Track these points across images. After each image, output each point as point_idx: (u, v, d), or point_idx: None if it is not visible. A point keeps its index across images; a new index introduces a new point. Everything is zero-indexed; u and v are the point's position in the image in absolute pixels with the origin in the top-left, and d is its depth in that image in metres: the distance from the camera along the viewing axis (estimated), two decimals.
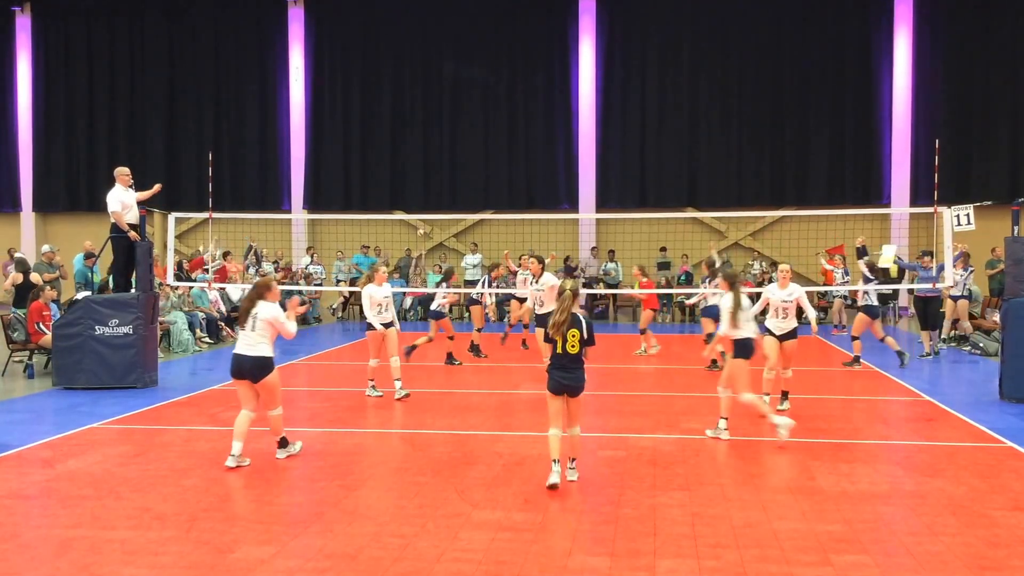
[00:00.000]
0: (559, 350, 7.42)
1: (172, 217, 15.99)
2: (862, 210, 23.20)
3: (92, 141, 28.20)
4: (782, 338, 10.99)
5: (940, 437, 9.55)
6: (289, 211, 26.86)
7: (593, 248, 25.17)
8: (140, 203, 13.20)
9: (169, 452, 8.75)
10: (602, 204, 25.86)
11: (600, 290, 23.22)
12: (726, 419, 9.32)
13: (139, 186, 13.52)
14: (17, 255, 20.46)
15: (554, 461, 7.40)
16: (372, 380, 11.83)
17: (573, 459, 7.68)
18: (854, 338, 14.94)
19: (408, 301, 23.99)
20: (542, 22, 26.38)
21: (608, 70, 26.04)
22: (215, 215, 16.97)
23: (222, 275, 19.94)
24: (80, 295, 13.97)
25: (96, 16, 28.01)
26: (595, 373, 14.14)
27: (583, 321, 7.43)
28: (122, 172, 13.13)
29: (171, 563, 5.75)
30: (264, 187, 27.39)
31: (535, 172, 26.34)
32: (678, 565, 5.70)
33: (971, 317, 17.89)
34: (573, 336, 7.37)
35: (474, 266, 24.08)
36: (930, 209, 15.23)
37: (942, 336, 17.44)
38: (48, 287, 15.36)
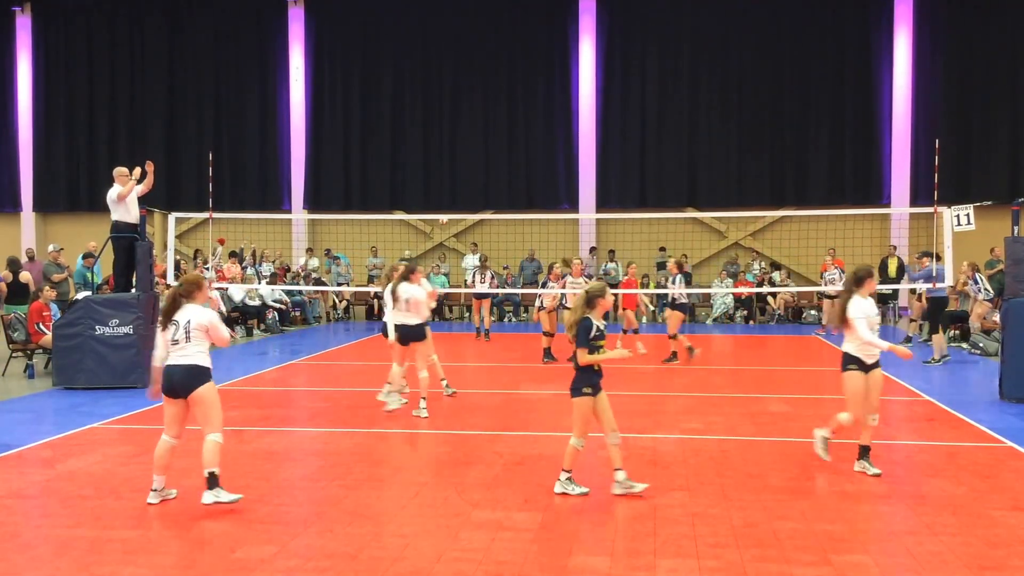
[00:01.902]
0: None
1: (172, 217, 16.00)
2: (862, 210, 23.20)
3: (92, 141, 28.19)
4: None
5: (940, 437, 9.55)
6: (289, 211, 26.86)
7: (592, 248, 25.16)
8: (141, 199, 13.20)
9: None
10: (602, 204, 25.86)
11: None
12: (869, 449, 7.91)
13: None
14: (11, 256, 20.44)
15: (615, 470, 7.18)
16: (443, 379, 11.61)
17: (564, 469, 7.30)
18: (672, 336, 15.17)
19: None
20: (542, 22, 26.38)
21: (608, 70, 26.04)
22: (215, 215, 16.98)
23: (222, 275, 19.95)
24: (80, 295, 13.98)
25: (96, 16, 28.00)
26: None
27: (578, 324, 7.08)
28: (121, 172, 13.12)
29: (171, 563, 5.75)
30: (264, 187, 27.39)
31: (535, 172, 26.34)
32: (678, 565, 5.70)
33: (965, 318, 17.92)
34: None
35: (473, 267, 24.03)
36: (930, 209, 15.24)
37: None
38: (48, 287, 15.36)
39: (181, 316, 6.95)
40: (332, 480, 7.74)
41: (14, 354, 14.54)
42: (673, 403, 11.54)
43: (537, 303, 16.17)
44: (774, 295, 23.03)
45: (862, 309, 7.86)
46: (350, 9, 26.96)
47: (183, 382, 6.86)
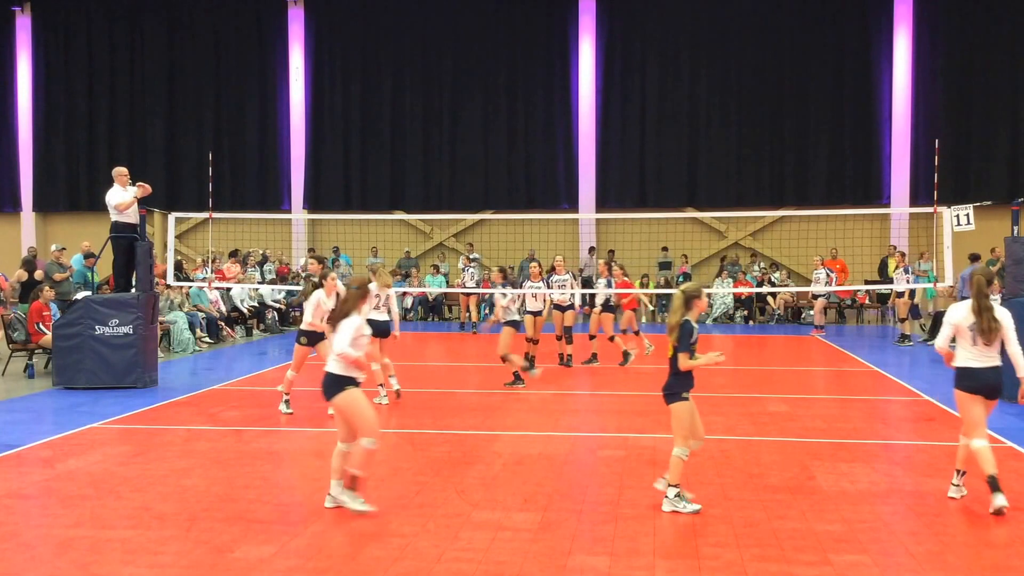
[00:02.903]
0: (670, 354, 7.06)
1: (172, 217, 15.99)
2: (862, 210, 23.24)
3: (92, 141, 28.20)
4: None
5: (940, 437, 9.55)
6: (289, 211, 26.86)
7: (591, 248, 25.16)
8: (139, 202, 13.20)
9: (169, 452, 8.75)
10: (602, 204, 25.87)
11: (599, 290, 23.19)
12: (995, 475, 6.86)
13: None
14: (26, 256, 20.55)
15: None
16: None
17: (670, 484, 6.90)
18: (592, 336, 14.99)
19: (409, 301, 23.99)
20: (542, 22, 26.38)
21: (608, 70, 26.05)
22: (215, 215, 16.97)
23: (222, 275, 19.94)
24: (80, 295, 13.97)
25: (96, 16, 28.01)
26: (595, 373, 14.18)
27: (680, 327, 6.87)
28: (120, 172, 13.13)
29: (171, 563, 5.75)
30: (264, 187, 27.39)
31: (535, 172, 26.35)
32: (678, 565, 5.70)
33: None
34: (671, 339, 6.96)
35: (471, 268, 24.03)
36: (930, 209, 15.23)
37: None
38: (48, 287, 15.36)
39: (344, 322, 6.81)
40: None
41: (14, 354, 14.54)
42: None
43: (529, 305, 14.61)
44: (774, 295, 23.02)
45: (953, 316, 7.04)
46: (350, 9, 26.96)
47: (324, 389, 6.85)
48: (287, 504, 7.11)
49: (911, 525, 6.52)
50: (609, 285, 14.80)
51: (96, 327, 12.58)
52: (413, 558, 5.83)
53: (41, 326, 14.16)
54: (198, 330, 17.71)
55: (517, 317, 12.86)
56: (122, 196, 12.85)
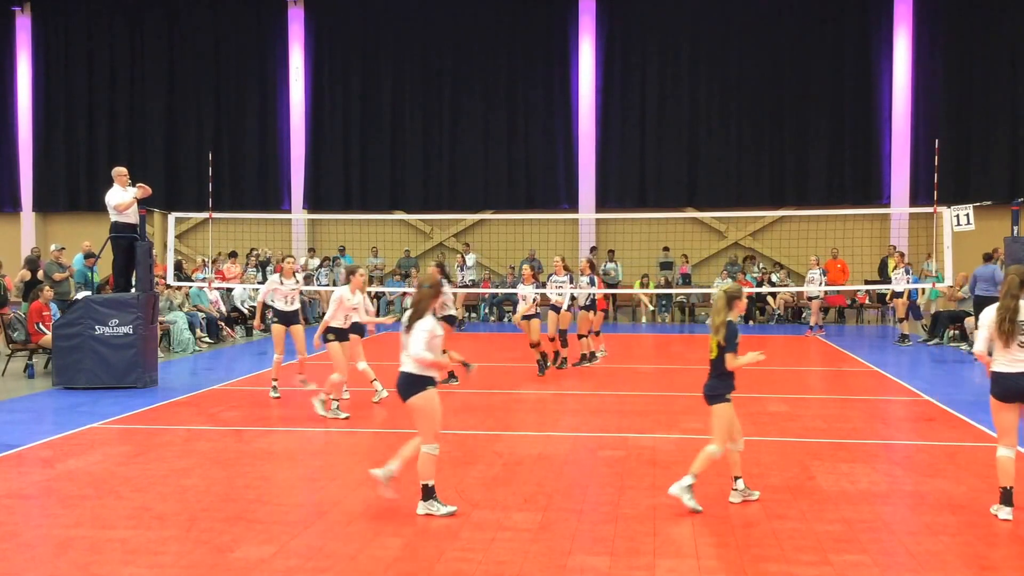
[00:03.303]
0: (710, 355, 7.10)
1: (172, 217, 16.00)
2: (862, 210, 23.25)
3: (92, 141, 28.20)
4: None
5: (940, 437, 9.55)
6: (289, 211, 26.87)
7: (592, 248, 25.16)
8: (139, 202, 13.20)
9: (169, 452, 8.75)
10: (602, 204, 25.87)
11: (600, 289, 23.20)
12: (1010, 489, 6.65)
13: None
14: (29, 256, 20.60)
15: (734, 478, 7.09)
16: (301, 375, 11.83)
17: (736, 477, 7.04)
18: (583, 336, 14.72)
19: (408, 301, 23.96)
20: (542, 22, 26.39)
21: (608, 70, 26.05)
22: (215, 215, 16.98)
23: (222, 275, 19.95)
24: (80, 295, 13.97)
25: (96, 16, 28.01)
26: (596, 373, 14.17)
27: (726, 327, 6.91)
28: (120, 173, 13.12)
29: (171, 563, 5.75)
30: (264, 187, 27.40)
31: (535, 172, 26.35)
32: (678, 565, 5.70)
33: (964, 318, 17.97)
34: (713, 340, 7.00)
35: (469, 267, 24.08)
36: (930, 209, 15.23)
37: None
38: (47, 287, 15.36)
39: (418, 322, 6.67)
40: (332, 480, 7.74)
41: (14, 354, 14.55)
42: (673, 403, 11.53)
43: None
44: (774, 295, 23.03)
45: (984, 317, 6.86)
46: (350, 9, 26.96)
47: (400, 389, 6.76)
48: (287, 504, 7.11)
49: (911, 525, 6.52)
50: (592, 283, 14.70)
51: (96, 327, 12.58)
52: (413, 558, 5.83)
53: (41, 326, 14.16)
54: (198, 330, 17.72)
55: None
56: (121, 196, 12.86)
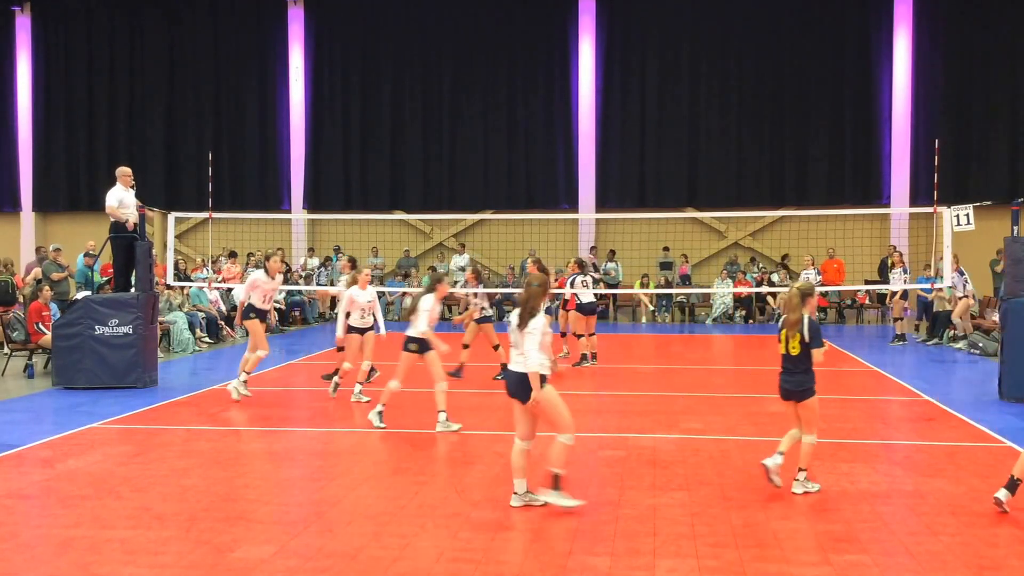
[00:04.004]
0: (782, 351, 7.26)
1: (172, 217, 15.99)
2: (862, 210, 23.23)
3: (92, 141, 28.19)
4: None
5: (940, 437, 9.55)
6: (289, 211, 26.86)
7: (592, 248, 25.16)
8: (139, 202, 13.23)
9: (169, 452, 8.75)
10: (602, 204, 25.86)
11: (601, 289, 23.24)
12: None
13: (138, 186, 13.53)
14: (38, 256, 20.66)
15: (799, 469, 7.23)
16: (342, 380, 11.87)
17: (800, 468, 7.23)
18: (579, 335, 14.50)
19: (407, 302, 23.95)
20: (542, 22, 26.38)
21: (608, 70, 26.04)
22: (215, 215, 16.98)
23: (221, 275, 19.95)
24: (80, 295, 13.97)
25: (96, 16, 28.00)
26: (596, 373, 14.17)
27: (808, 323, 7.10)
28: (124, 172, 13.13)
29: (171, 563, 5.75)
30: (264, 187, 27.38)
31: (535, 172, 26.35)
32: (678, 565, 5.70)
33: (971, 317, 17.97)
34: (791, 339, 7.14)
35: (461, 268, 24.07)
36: (930, 209, 15.24)
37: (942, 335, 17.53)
38: (47, 287, 15.37)
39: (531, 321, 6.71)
40: (332, 480, 7.74)
41: (14, 354, 14.55)
42: (673, 403, 11.53)
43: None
44: (774, 295, 23.02)
45: None
46: (350, 9, 26.96)
47: (514, 389, 6.84)
48: (287, 504, 7.11)
49: (911, 525, 6.52)
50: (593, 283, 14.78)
51: (96, 327, 12.58)
52: (413, 558, 5.83)
53: (41, 326, 14.16)
54: (198, 330, 17.72)
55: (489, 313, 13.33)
56: (120, 200, 12.85)
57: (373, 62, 26.88)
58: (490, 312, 13.29)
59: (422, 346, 9.63)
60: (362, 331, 11.56)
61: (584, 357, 14.53)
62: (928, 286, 18.03)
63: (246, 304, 11.70)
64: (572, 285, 14.50)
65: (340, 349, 12.65)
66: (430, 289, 9.79)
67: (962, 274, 17.02)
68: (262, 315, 11.75)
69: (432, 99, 26.78)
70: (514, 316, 6.85)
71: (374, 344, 11.64)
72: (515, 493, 6.88)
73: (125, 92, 27.97)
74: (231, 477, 7.83)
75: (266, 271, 11.73)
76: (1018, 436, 9.31)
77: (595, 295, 14.88)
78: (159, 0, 27.64)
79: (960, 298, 17.28)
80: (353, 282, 11.64)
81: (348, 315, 11.52)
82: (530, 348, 6.64)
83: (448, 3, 26.54)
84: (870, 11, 25.05)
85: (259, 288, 11.61)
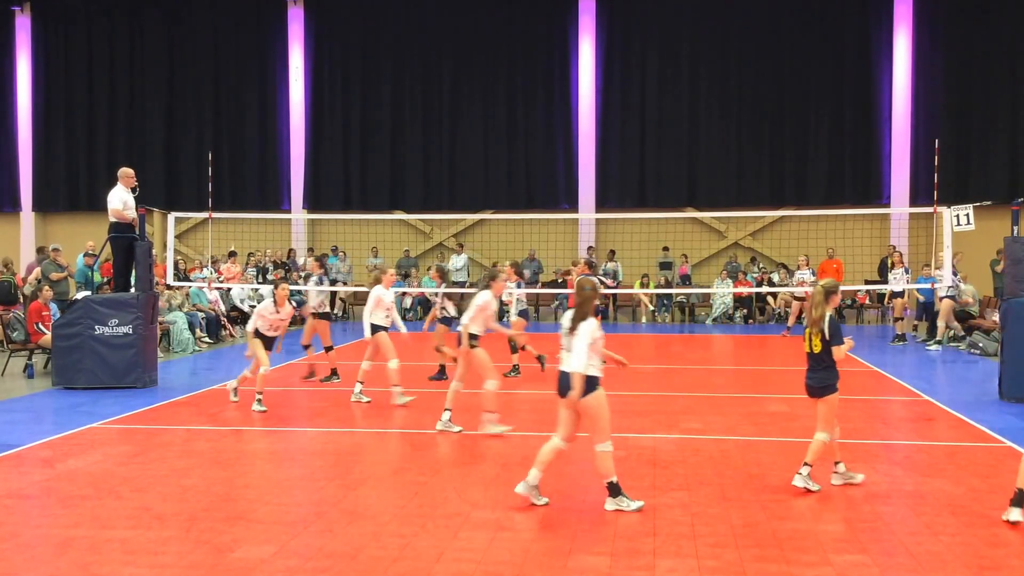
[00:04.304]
0: (806, 348, 7.42)
1: (172, 217, 15.99)
2: (862, 210, 23.24)
3: (92, 141, 28.19)
4: None
5: (940, 437, 9.55)
6: (289, 211, 26.87)
7: (590, 247, 25.16)
8: (138, 202, 13.23)
9: (169, 452, 8.75)
10: (602, 204, 25.86)
11: (608, 289, 23.24)
12: None
13: (139, 186, 13.52)
14: (40, 256, 20.70)
15: (835, 462, 7.48)
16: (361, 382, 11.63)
17: (805, 463, 7.34)
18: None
19: (408, 302, 23.98)
20: (542, 22, 26.38)
21: (608, 70, 26.05)
22: (215, 215, 16.97)
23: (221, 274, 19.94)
24: (80, 295, 13.98)
25: (96, 16, 28.00)
26: None
27: (828, 321, 7.23)
28: (126, 173, 13.13)
29: (171, 563, 5.75)
30: (264, 187, 27.39)
31: (535, 172, 26.35)
32: (678, 565, 5.70)
33: (970, 317, 17.95)
34: (814, 336, 7.29)
35: (458, 268, 24.09)
36: (930, 209, 15.24)
37: (937, 337, 17.52)
38: (46, 287, 15.38)
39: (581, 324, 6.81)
40: (332, 480, 7.74)
41: (13, 354, 14.54)
42: (673, 403, 11.53)
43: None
44: (774, 295, 23.03)
45: None
46: (350, 9, 26.96)
47: (563, 389, 6.86)
48: (287, 504, 7.11)
49: (911, 525, 6.52)
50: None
51: (96, 327, 12.58)
52: (413, 558, 5.83)
53: (40, 326, 14.16)
54: (198, 330, 17.71)
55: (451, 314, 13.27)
56: (122, 201, 12.86)
57: (373, 62, 26.88)
58: (452, 313, 13.12)
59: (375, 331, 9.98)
60: (383, 331, 11.48)
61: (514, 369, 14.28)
62: (928, 286, 18.02)
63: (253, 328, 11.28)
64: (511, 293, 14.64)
65: (329, 349, 13.19)
66: (485, 285, 9.69)
67: (955, 275, 17.00)
68: (267, 340, 11.27)
69: (432, 99, 26.78)
70: (566, 319, 6.92)
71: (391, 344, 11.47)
72: (524, 480, 6.92)
73: (125, 92, 27.97)
74: (231, 477, 7.83)
75: (274, 301, 11.21)
76: (1018, 436, 9.31)
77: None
78: (159, 0, 27.64)
79: (942, 298, 17.25)
80: (377, 282, 11.62)
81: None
82: (579, 349, 6.69)
83: (448, 3, 26.54)
84: (870, 11, 25.05)
85: (264, 319, 11.17)
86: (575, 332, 6.76)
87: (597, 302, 7.12)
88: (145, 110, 27.88)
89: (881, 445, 9.19)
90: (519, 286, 14.69)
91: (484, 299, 9.49)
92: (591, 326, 6.75)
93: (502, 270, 11.14)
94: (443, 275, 14.03)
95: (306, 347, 13.62)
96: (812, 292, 7.36)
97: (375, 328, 11.41)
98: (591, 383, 6.72)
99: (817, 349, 7.28)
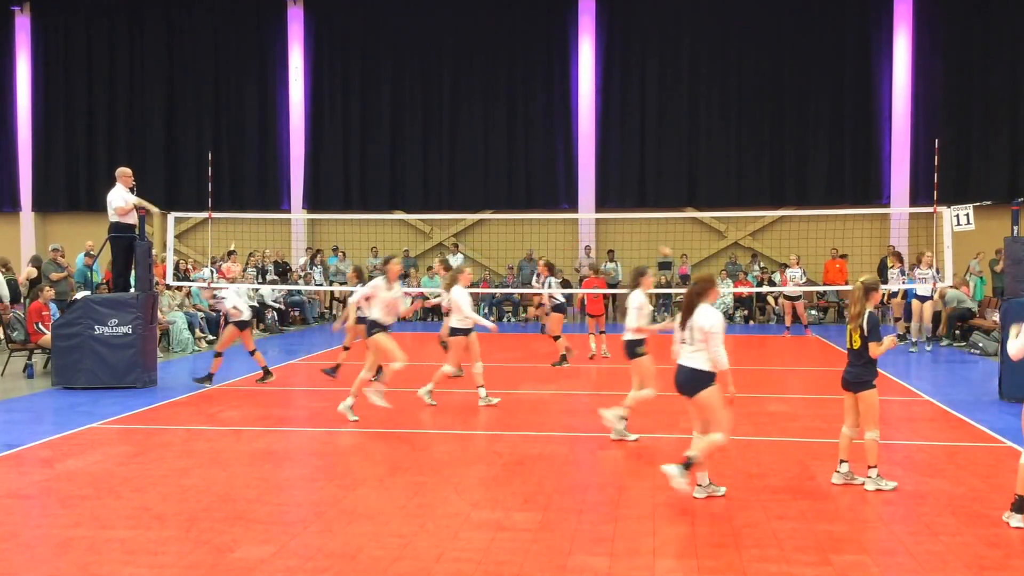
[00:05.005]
0: (847, 345, 7.46)
1: (171, 217, 15.99)
2: (862, 210, 23.23)
3: (91, 141, 28.17)
4: None
5: (940, 437, 9.55)
6: (289, 211, 26.86)
7: (587, 247, 25.15)
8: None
9: (169, 452, 8.75)
10: (601, 204, 25.85)
11: (601, 289, 23.21)
12: None
13: (138, 186, 13.54)
14: (35, 255, 20.72)
15: (840, 461, 7.52)
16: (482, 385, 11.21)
17: (870, 466, 7.35)
18: (556, 337, 14.66)
19: (408, 301, 23.95)
20: (542, 22, 26.37)
21: (608, 70, 26.04)
22: (214, 215, 16.97)
23: (222, 275, 19.90)
24: (79, 295, 13.98)
25: (96, 16, 27.98)
26: (595, 373, 14.17)
27: (867, 317, 7.26)
28: (124, 173, 13.14)
29: (171, 563, 5.75)
30: (264, 187, 27.37)
31: (535, 172, 26.34)
32: (678, 565, 5.69)
33: (970, 318, 17.96)
34: (854, 332, 7.33)
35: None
36: (930, 209, 15.23)
37: (930, 336, 17.54)
38: (48, 287, 15.37)
39: (695, 317, 6.97)
40: (331, 480, 7.74)
41: (13, 354, 14.54)
42: (673, 403, 11.50)
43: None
44: (774, 295, 23.02)
45: None
46: (350, 9, 26.95)
47: (685, 384, 7.05)
48: (287, 504, 7.10)
49: (911, 525, 6.52)
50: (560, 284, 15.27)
51: (95, 327, 12.58)
52: (413, 558, 5.82)
53: (40, 326, 14.16)
54: (197, 330, 17.71)
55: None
56: (123, 199, 12.88)
57: (373, 62, 26.87)
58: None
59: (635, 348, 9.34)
60: (466, 332, 11.12)
61: (564, 358, 14.70)
62: (913, 287, 18.02)
63: (369, 320, 10.30)
64: (549, 287, 15.07)
65: (347, 348, 13.24)
66: (634, 284, 9.38)
67: (936, 273, 16.97)
68: (385, 329, 10.38)
69: (432, 99, 26.77)
70: (680, 315, 7.14)
71: (479, 345, 11.28)
72: (698, 484, 7.11)
73: (125, 92, 27.96)
74: (231, 477, 7.83)
75: (385, 278, 10.35)
76: (1018, 436, 9.29)
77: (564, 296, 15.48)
78: (159, 0, 27.63)
79: (919, 298, 17.20)
80: (454, 282, 11.27)
81: (447, 314, 11.53)
82: (716, 348, 6.88)
83: (448, 3, 26.53)
84: (870, 11, 25.04)
85: (379, 299, 10.19)
86: (689, 328, 6.96)
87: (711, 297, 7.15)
88: (145, 110, 27.87)
89: (881, 445, 9.13)
90: (549, 284, 15.23)
91: (638, 300, 9.28)
92: (718, 320, 6.94)
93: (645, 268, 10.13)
94: (551, 268, 14.88)
95: (346, 349, 13.66)
96: (853, 289, 7.45)
97: (455, 331, 11.08)
98: (707, 378, 6.94)
99: (856, 345, 7.33)
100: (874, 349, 7.22)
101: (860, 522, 6.54)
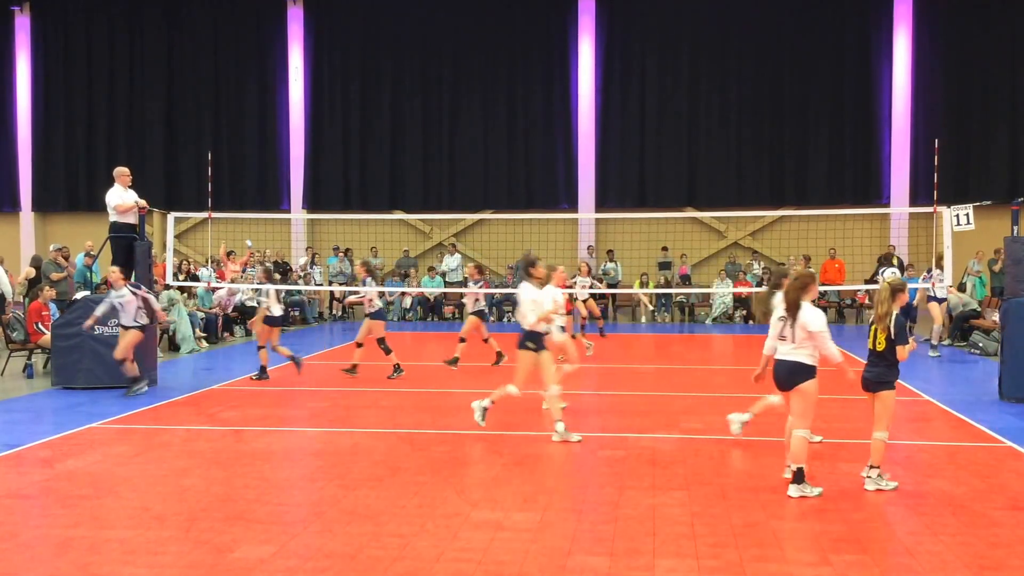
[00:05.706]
0: (869, 345, 7.47)
1: (171, 217, 15.98)
2: (862, 210, 23.24)
3: (91, 141, 28.18)
4: None
5: (940, 437, 9.55)
6: (288, 211, 26.86)
7: (589, 247, 25.15)
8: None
9: (168, 452, 8.75)
10: (601, 204, 25.86)
11: (601, 289, 23.22)
12: None
13: (137, 186, 13.53)
14: (35, 255, 20.70)
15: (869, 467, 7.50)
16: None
17: (872, 465, 7.34)
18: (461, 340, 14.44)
19: (408, 301, 23.99)
20: (542, 22, 26.38)
21: (608, 70, 26.05)
22: (214, 215, 16.97)
23: (222, 275, 19.91)
24: (79, 295, 13.97)
25: (96, 16, 28.00)
26: (595, 373, 14.16)
27: (894, 319, 7.28)
28: (122, 172, 13.14)
29: (170, 563, 5.74)
30: (264, 187, 27.38)
31: (535, 172, 26.35)
32: (678, 565, 5.69)
33: (971, 318, 17.94)
34: (880, 333, 7.32)
35: (452, 269, 24.09)
36: (929, 209, 15.22)
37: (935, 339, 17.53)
38: (48, 287, 15.37)
39: (801, 317, 7.18)
40: (331, 480, 7.73)
41: (13, 353, 14.53)
42: (673, 403, 11.53)
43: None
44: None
45: None
46: (350, 9, 26.95)
47: (788, 377, 7.27)
48: (286, 504, 7.10)
49: (911, 525, 6.51)
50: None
51: (95, 327, 12.56)
52: (412, 558, 5.82)
53: (40, 326, 14.16)
54: (197, 330, 17.69)
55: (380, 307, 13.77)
56: (121, 197, 12.88)
57: (373, 62, 26.87)
58: (379, 305, 13.75)
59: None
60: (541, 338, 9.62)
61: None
62: (928, 285, 17.99)
63: (526, 331, 9.12)
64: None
65: (360, 345, 13.49)
66: (526, 275, 9.07)
67: (928, 273, 16.96)
68: (539, 340, 9.15)
69: (432, 99, 26.78)
70: (780, 311, 7.37)
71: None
72: (792, 483, 7.19)
73: (125, 92, 27.97)
74: (231, 477, 7.83)
75: (535, 280, 9.23)
76: (1018, 436, 9.31)
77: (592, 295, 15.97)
78: (159, 0, 27.63)
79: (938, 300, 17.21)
80: (547, 280, 9.67)
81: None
82: (825, 345, 7.13)
83: (448, 3, 26.54)
84: (870, 11, 25.05)
85: (538, 304, 9.10)
86: (795, 324, 7.15)
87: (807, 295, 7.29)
88: (145, 110, 27.87)
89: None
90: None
91: (532, 294, 9.04)
92: (820, 319, 7.14)
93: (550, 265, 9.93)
94: (480, 270, 15.12)
95: (359, 345, 13.72)
96: (879, 289, 7.48)
97: (535, 336, 9.26)
98: (810, 371, 7.17)
99: (881, 347, 7.31)
100: (901, 352, 7.25)
101: (860, 522, 6.54)
